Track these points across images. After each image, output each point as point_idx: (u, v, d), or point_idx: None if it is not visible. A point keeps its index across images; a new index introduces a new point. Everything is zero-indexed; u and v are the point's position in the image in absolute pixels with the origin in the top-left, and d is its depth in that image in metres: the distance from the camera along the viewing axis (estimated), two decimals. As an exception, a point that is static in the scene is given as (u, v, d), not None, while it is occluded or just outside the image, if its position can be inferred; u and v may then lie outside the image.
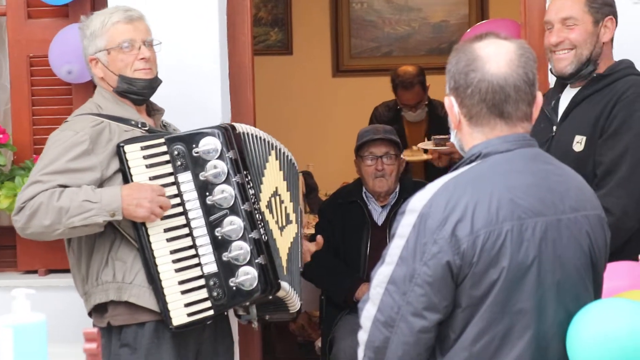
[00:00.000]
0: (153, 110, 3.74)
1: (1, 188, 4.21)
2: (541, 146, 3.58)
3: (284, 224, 3.72)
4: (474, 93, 2.49)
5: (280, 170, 3.77)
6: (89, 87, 4.05)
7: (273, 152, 3.75)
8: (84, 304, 3.62)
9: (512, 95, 2.49)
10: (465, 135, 2.57)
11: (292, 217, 3.78)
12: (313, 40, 8.49)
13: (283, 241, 3.69)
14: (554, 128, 3.70)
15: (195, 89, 4.28)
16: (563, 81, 3.74)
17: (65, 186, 3.41)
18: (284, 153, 3.82)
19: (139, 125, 3.59)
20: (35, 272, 4.41)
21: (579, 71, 3.65)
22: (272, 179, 3.72)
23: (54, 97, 4.38)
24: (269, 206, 3.66)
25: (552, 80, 4.20)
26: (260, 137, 3.72)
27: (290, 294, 3.68)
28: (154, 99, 3.72)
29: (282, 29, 8.52)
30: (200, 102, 4.26)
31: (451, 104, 2.56)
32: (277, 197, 3.72)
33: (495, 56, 2.50)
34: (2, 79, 4.61)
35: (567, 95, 3.74)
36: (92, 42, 3.60)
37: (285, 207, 3.75)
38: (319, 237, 3.96)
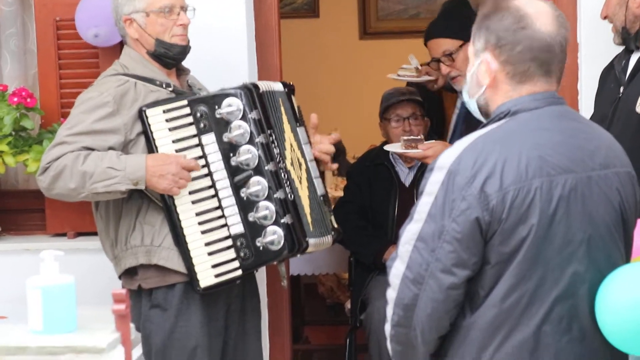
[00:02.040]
0: (178, 71, 3.75)
1: (29, 152, 4.23)
2: (608, 106, 3.60)
3: (301, 174, 3.69)
4: (525, 51, 2.48)
5: (285, 114, 3.71)
6: (116, 51, 4.04)
7: (280, 101, 3.70)
8: (114, 268, 3.65)
9: (557, 54, 2.51)
10: (499, 93, 2.54)
11: (301, 159, 3.72)
12: (340, 2, 8.45)
13: (304, 193, 3.67)
14: (621, 89, 3.66)
15: (222, 52, 4.28)
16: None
17: (90, 148, 3.43)
18: (282, 93, 3.74)
19: (164, 86, 3.59)
20: (64, 234, 4.43)
21: (624, 40, 3.64)
22: (288, 131, 3.69)
23: (80, 61, 4.38)
24: (292, 163, 3.65)
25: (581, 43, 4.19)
26: (276, 92, 3.68)
27: (319, 246, 3.68)
28: (181, 61, 3.73)
29: (308, -8, 8.48)
30: (227, 65, 4.25)
31: (486, 61, 2.53)
32: (293, 149, 3.69)
33: (542, 15, 2.50)
34: (29, 43, 4.61)
35: (635, 57, 3.69)
36: (130, 1, 3.60)
37: (297, 155, 3.71)
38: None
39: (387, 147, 4.54)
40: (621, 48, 3.75)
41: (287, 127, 3.68)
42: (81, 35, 4.23)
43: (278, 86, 3.74)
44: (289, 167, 3.60)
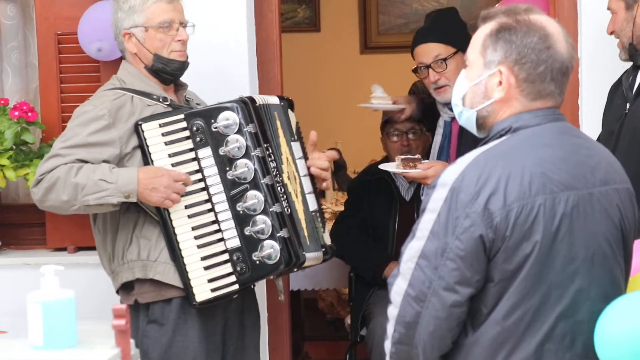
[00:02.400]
0: (176, 86, 3.75)
1: (30, 166, 4.23)
2: (615, 123, 3.60)
3: (297, 188, 3.67)
4: (546, 71, 2.48)
5: (281, 127, 3.69)
6: (117, 65, 4.03)
7: (276, 114, 3.69)
8: (112, 283, 3.65)
9: (568, 75, 2.52)
10: (507, 108, 2.52)
11: (295, 173, 3.69)
12: (341, 17, 8.46)
13: (300, 207, 3.66)
14: (627, 105, 3.64)
15: (224, 67, 4.28)
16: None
17: (84, 161, 3.43)
18: (278, 107, 3.72)
19: (161, 100, 3.59)
20: (64, 249, 4.43)
21: (632, 56, 3.63)
22: (284, 145, 3.67)
23: (82, 75, 4.38)
24: (289, 177, 3.64)
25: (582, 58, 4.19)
26: (272, 105, 3.67)
27: (315, 261, 3.66)
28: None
29: (309, 6, 8.49)
30: (229, 80, 4.26)
31: (502, 75, 2.50)
32: (289, 163, 3.67)
33: (559, 35, 2.50)
34: (31, 57, 4.62)
35: None
36: (130, 16, 3.60)
37: (293, 169, 3.69)
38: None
39: (382, 167, 4.48)
40: (624, 64, 3.74)
41: (282, 141, 3.68)
42: (84, 49, 4.23)
43: (274, 100, 3.73)
44: (285, 180, 3.60)
